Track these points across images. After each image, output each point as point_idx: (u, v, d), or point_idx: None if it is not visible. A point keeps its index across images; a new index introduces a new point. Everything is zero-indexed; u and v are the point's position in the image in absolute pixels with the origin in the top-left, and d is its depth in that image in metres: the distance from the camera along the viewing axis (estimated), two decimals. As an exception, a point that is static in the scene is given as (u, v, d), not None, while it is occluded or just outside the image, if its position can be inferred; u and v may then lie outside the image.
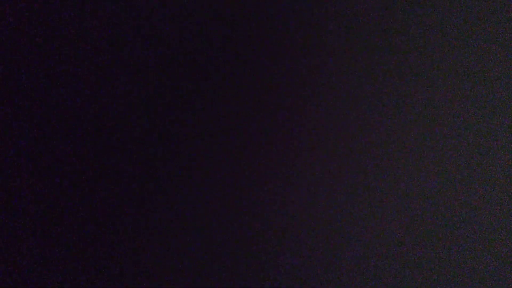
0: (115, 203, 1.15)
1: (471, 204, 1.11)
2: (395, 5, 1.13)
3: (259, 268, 1.13)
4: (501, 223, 1.11)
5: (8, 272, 1.15)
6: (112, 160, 1.15)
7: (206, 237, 1.14)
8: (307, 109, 1.13)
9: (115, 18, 1.16)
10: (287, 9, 1.14)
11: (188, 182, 1.14)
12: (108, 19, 1.16)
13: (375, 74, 1.13)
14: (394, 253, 1.12)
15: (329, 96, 1.13)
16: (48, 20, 1.16)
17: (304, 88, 1.14)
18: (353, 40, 1.13)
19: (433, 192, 1.12)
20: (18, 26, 1.16)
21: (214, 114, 1.14)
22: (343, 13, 1.14)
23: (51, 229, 1.15)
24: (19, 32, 1.16)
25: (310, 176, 1.13)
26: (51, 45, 1.16)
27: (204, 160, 1.14)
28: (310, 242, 1.13)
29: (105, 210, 1.15)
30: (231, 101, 1.14)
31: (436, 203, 1.12)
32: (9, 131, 1.15)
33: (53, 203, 1.15)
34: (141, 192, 1.14)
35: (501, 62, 1.12)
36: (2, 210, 1.15)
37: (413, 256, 1.12)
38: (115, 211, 1.14)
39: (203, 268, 1.14)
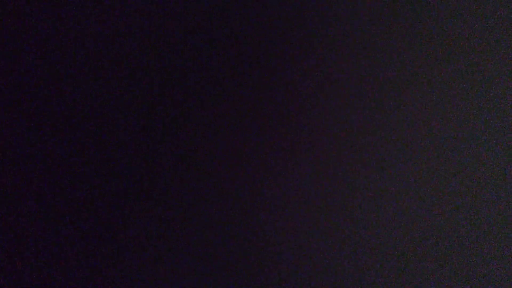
0: (115, 203, 1.15)
1: (471, 204, 1.11)
2: (395, 5, 1.13)
3: (259, 268, 1.13)
4: (502, 223, 1.11)
5: (8, 272, 1.15)
6: (111, 159, 1.15)
7: (206, 237, 1.14)
8: (307, 109, 1.13)
9: (115, 17, 1.16)
10: (287, 9, 1.15)
11: (187, 182, 1.14)
12: (108, 18, 1.16)
13: (375, 74, 1.13)
14: (394, 253, 1.12)
15: (329, 96, 1.14)
16: (47, 20, 1.17)
17: (304, 88, 1.14)
18: (353, 40, 1.14)
19: (433, 192, 1.12)
20: (18, 26, 1.17)
21: (213, 114, 1.15)
22: (343, 13, 1.14)
23: (50, 229, 1.15)
24: (19, 32, 1.17)
25: (310, 176, 1.13)
26: (50, 45, 1.17)
27: (203, 160, 1.14)
28: (310, 242, 1.13)
29: (105, 209, 1.15)
30: (231, 101, 1.15)
31: (436, 203, 1.12)
32: (9, 131, 1.16)
33: (52, 202, 1.15)
34: (141, 192, 1.15)
35: (501, 62, 1.12)
36: (2, 210, 1.15)
37: (413, 256, 1.12)
38: (114, 210, 1.15)
39: (203, 268, 1.14)
